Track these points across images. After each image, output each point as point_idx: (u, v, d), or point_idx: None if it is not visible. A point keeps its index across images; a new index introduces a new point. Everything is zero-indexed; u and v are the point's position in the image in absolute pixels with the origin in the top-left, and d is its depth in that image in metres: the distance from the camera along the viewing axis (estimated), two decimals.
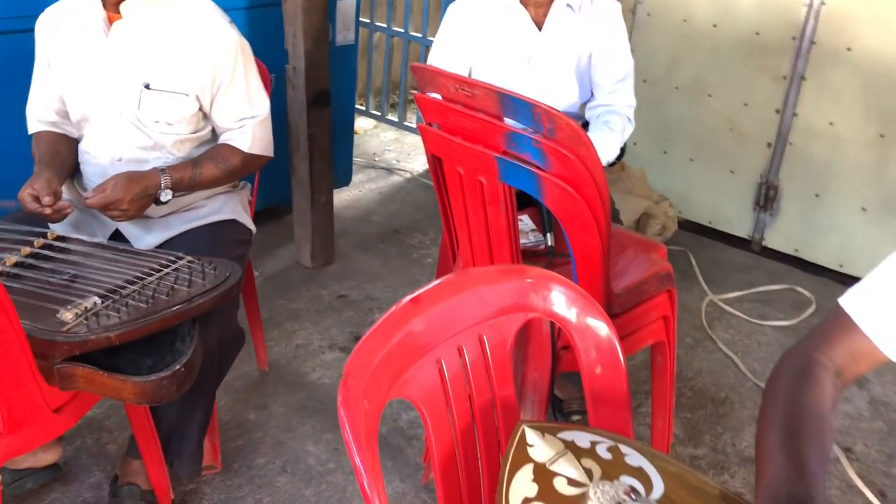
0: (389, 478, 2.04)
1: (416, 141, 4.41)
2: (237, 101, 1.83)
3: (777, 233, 3.30)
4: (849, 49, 2.97)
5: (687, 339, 2.74)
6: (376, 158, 4.20)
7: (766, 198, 3.28)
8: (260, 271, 2.94)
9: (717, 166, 3.39)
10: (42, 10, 1.88)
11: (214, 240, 1.83)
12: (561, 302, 1.10)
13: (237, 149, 1.85)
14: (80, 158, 1.91)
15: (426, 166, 4.12)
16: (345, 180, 3.62)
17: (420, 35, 4.10)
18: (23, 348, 1.31)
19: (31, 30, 1.90)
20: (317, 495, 1.98)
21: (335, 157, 3.01)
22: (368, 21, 4.21)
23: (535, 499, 0.91)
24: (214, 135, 1.91)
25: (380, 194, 3.80)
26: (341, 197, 3.57)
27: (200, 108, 1.83)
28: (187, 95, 1.79)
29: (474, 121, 1.53)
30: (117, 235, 1.83)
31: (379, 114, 4.51)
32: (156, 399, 1.40)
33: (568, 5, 2.09)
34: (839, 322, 1.03)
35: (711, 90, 3.33)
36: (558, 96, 2.15)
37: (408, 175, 4.03)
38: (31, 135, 1.93)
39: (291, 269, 3.04)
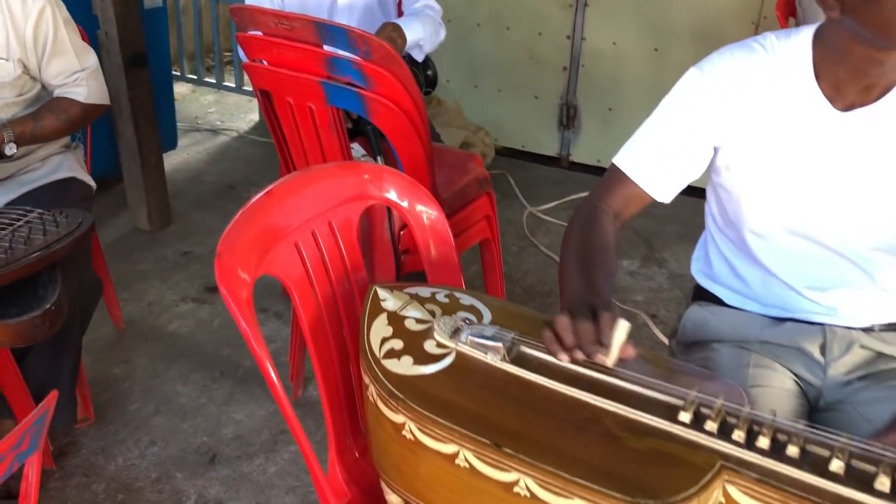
0: (261, 401, 2.19)
1: (238, 100, 4.46)
2: (66, 59, 1.88)
3: (581, 148, 3.68)
4: None
5: (513, 247, 3.04)
6: (199, 121, 4.21)
7: (568, 117, 3.63)
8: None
9: (522, 94, 3.71)
10: None
11: (57, 197, 1.88)
12: (395, 190, 1.30)
13: (75, 100, 1.90)
14: None
15: (251, 124, 4.20)
16: (171, 144, 3.63)
17: None
18: None
19: None
20: (193, 427, 2.10)
21: (158, 122, 3.04)
22: None
23: (391, 337, 1.11)
24: (46, 95, 1.94)
25: (208, 155, 3.84)
26: (170, 161, 3.58)
27: (25, 72, 1.85)
28: (7, 60, 1.82)
29: (297, 51, 1.68)
30: None
31: (195, 77, 4.50)
32: (30, 338, 1.47)
33: None
34: (613, 176, 1.30)
35: (509, 23, 3.62)
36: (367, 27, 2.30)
37: (234, 134, 4.08)
38: None
39: (130, 234, 3.07)
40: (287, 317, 2.56)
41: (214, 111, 4.37)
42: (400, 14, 2.36)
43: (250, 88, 4.33)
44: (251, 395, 2.21)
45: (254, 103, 4.32)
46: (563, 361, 1.04)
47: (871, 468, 0.87)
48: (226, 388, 2.24)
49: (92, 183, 2.04)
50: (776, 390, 1.24)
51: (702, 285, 1.46)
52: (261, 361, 1.01)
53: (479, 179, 2.03)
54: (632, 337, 1.03)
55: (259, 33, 1.77)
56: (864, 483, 0.85)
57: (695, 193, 1.42)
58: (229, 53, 4.71)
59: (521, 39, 3.62)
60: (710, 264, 1.44)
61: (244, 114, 4.32)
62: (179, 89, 4.50)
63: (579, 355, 1.03)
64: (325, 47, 1.69)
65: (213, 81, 4.46)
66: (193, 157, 3.79)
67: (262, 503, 1.86)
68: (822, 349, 1.29)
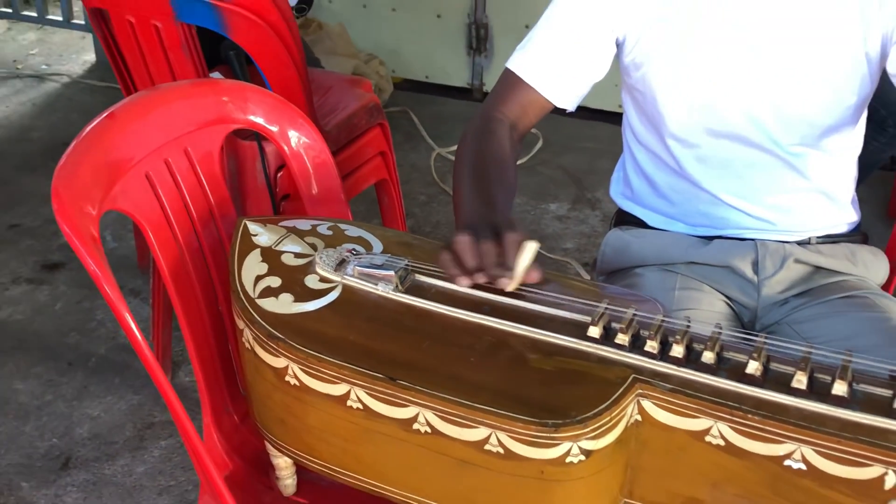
0: (121, 392, 2.25)
1: (67, 38, 4.43)
2: None
3: (495, 75, 3.78)
4: None
5: (421, 196, 3.16)
6: (19, 66, 4.18)
7: (478, 39, 3.75)
8: None
9: (422, 13, 3.81)
10: None
11: None
12: (261, 112, 1.38)
13: None
14: None
15: (87, 66, 4.19)
16: None
17: None
18: None
19: None
20: (39, 429, 2.15)
21: None
22: None
23: (266, 274, 1.20)
24: None
25: (34, 107, 3.83)
26: None
27: None
28: None
29: None
30: None
31: (10, 11, 4.44)
32: None
33: None
34: (508, 82, 1.42)
35: None
36: None
37: (66, 79, 4.06)
38: None
39: None
40: (146, 294, 2.61)
41: (38, 52, 4.34)
42: None
43: (81, 21, 4.30)
44: (108, 387, 2.27)
45: (87, 40, 4.30)
46: (463, 286, 1.16)
47: (788, 369, 1.01)
48: (76, 381, 2.29)
49: None
50: (705, 313, 1.39)
51: (622, 208, 1.60)
52: (114, 306, 1.09)
53: (369, 107, 2.13)
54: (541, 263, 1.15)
55: None
56: (782, 384, 1.00)
57: None
58: None
59: None
60: (629, 184, 1.58)
61: (76, 54, 4.30)
62: None
63: (481, 279, 1.14)
64: None
65: (34, 15, 4.41)
66: (15, 109, 3.78)
67: None
68: (755, 266, 1.44)
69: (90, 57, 4.25)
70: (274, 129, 1.37)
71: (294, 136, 1.38)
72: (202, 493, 1.34)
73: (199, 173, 1.31)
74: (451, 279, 1.16)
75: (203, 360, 1.29)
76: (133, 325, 1.12)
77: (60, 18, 4.36)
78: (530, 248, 1.13)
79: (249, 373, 1.20)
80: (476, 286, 1.16)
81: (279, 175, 1.95)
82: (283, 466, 1.26)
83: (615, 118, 1.54)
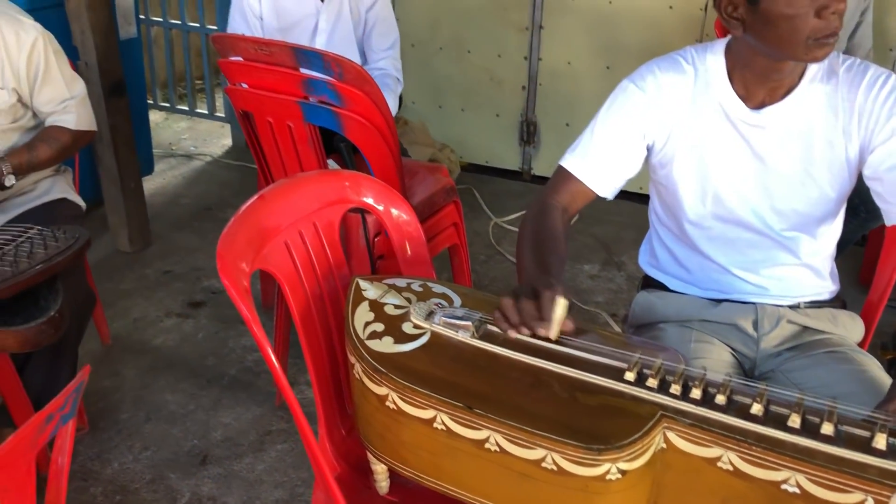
0: (247, 405, 2.30)
1: (210, 126, 4.57)
2: (56, 87, 1.99)
3: (541, 161, 3.85)
4: None
5: (481, 256, 3.19)
6: (173, 147, 4.32)
7: (528, 133, 3.81)
8: None
9: (484, 112, 3.88)
10: None
11: (50, 216, 1.99)
12: (372, 195, 1.44)
13: (65, 128, 2.01)
14: None
15: (224, 149, 4.32)
16: (148, 169, 3.73)
17: (198, 25, 4.25)
18: None
19: None
20: (184, 431, 2.20)
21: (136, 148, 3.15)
22: (144, 17, 4.29)
23: (373, 321, 1.25)
24: (37, 121, 2.05)
25: (184, 179, 3.95)
26: (147, 186, 3.67)
27: (19, 100, 1.97)
28: (2, 88, 1.93)
29: (276, 74, 1.82)
30: None
31: (168, 105, 4.61)
32: (37, 344, 1.58)
33: None
34: (561, 175, 1.46)
35: (470, 47, 3.80)
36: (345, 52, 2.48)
37: (208, 158, 4.19)
38: None
39: (112, 256, 3.16)
40: (269, 327, 2.67)
41: (188, 137, 4.48)
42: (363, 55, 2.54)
43: (222, 114, 4.46)
44: (237, 400, 2.32)
45: (226, 129, 4.44)
46: (512, 336, 1.19)
47: (784, 410, 1.02)
48: (213, 395, 2.35)
49: (82, 203, 2.15)
50: (715, 362, 1.40)
51: (649, 274, 1.62)
52: (259, 342, 1.14)
53: (446, 189, 2.18)
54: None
55: (239, 59, 1.91)
56: (780, 422, 1.01)
57: (648, 202, 1.58)
58: (200, 81, 4.83)
59: (482, 61, 3.79)
60: (655, 255, 1.60)
61: (217, 139, 4.43)
62: (153, 117, 4.60)
63: (525, 330, 1.18)
64: (302, 70, 1.83)
65: (186, 108, 4.57)
66: (170, 181, 3.90)
67: (252, 497, 1.97)
68: (755, 325, 1.45)
69: (227, 141, 4.38)
70: (380, 208, 1.42)
71: (395, 213, 1.43)
72: (316, 488, 1.37)
73: (322, 240, 1.36)
74: (502, 330, 1.19)
75: (321, 385, 1.33)
76: (272, 356, 1.16)
77: (206, 111, 4.51)
78: (561, 304, 1.17)
79: (357, 397, 1.23)
80: (526, 335, 1.19)
81: (376, 240, 2.00)
82: (380, 471, 1.29)
83: (636, 198, 1.58)
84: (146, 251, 3.19)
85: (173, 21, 4.32)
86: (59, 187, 2.10)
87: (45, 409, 0.89)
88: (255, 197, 1.26)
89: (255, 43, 1.85)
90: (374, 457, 1.25)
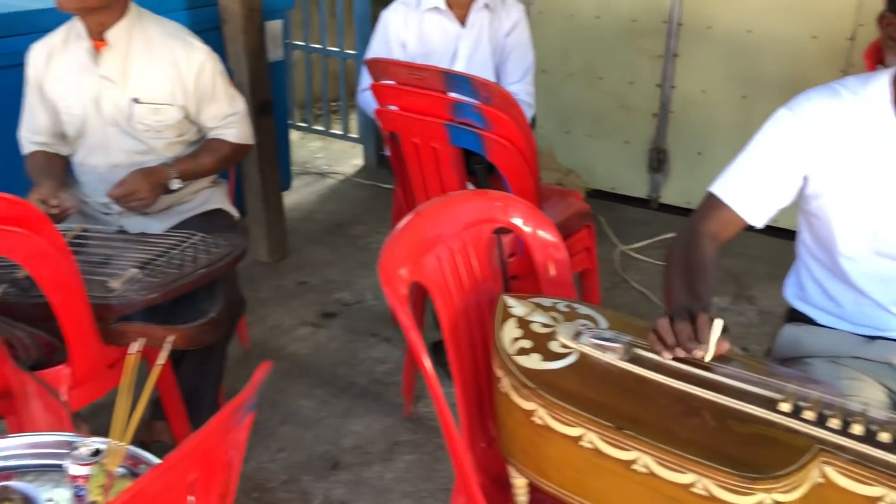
0: (376, 415, 2.37)
1: (343, 146, 4.75)
2: (220, 104, 2.14)
3: (670, 190, 3.80)
4: (709, 27, 3.49)
5: (605, 283, 3.16)
6: (307, 166, 4.51)
7: (658, 161, 3.77)
8: None
9: (612, 139, 3.87)
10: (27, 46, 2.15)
11: (207, 225, 2.12)
12: (521, 217, 1.48)
13: (226, 140, 2.16)
14: (78, 170, 2.18)
15: (356, 168, 4.48)
16: (286, 185, 3.91)
17: (337, 49, 4.44)
18: (88, 314, 1.59)
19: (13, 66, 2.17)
20: (316, 436, 2.29)
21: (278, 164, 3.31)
22: (287, 41, 4.51)
23: (521, 337, 1.27)
24: (199, 136, 2.21)
25: (318, 196, 4.12)
26: (284, 201, 3.86)
27: (185, 117, 2.12)
28: (172, 105, 2.09)
29: (425, 97, 1.89)
30: (120, 232, 2.11)
31: (305, 125, 4.83)
32: (199, 342, 1.70)
33: (485, 5, 2.49)
34: (710, 202, 1.45)
35: (601, 73, 3.80)
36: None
37: (340, 177, 4.35)
38: (25, 155, 2.19)
39: (251, 265, 3.33)
40: (396, 341, 2.75)
41: (321, 156, 4.67)
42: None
43: (355, 135, 4.62)
44: (367, 410, 2.40)
45: (358, 149, 4.60)
46: (667, 359, 1.19)
47: None
48: (344, 403, 2.43)
49: (236, 214, 2.30)
50: (868, 401, 1.35)
51: (795, 307, 1.57)
52: (415, 347, 1.19)
53: (580, 213, 2.19)
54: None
55: (391, 82, 2.00)
56: None
57: (781, 235, 1.55)
58: (335, 103, 5.03)
59: (612, 88, 3.79)
60: (802, 288, 1.55)
61: (349, 159, 4.60)
62: (290, 136, 4.83)
63: (680, 353, 1.17)
64: (450, 93, 1.90)
65: (321, 129, 4.78)
66: (305, 197, 4.07)
67: None
68: None
69: (359, 161, 4.54)
70: (528, 229, 1.46)
71: (542, 235, 1.45)
72: (457, 493, 1.39)
73: (471, 257, 1.41)
74: (657, 353, 1.19)
75: (466, 396, 1.37)
76: (427, 361, 1.20)
77: (340, 132, 4.70)
78: (718, 325, 1.17)
79: (502, 411, 1.26)
80: (679, 359, 1.19)
81: (510, 260, 2.03)
82: (520, 486, 1.31)
83: (769, 230, 1.54)
84: (283, 262, 3.34)
85: (314, 45, 4.53)
86: (216, 198, 2.25)
87: (235, 400, 0.96)
88: (413, 213, 1.32)
89: (408, 67, 1.94)
90: (516, 470, 1.27)
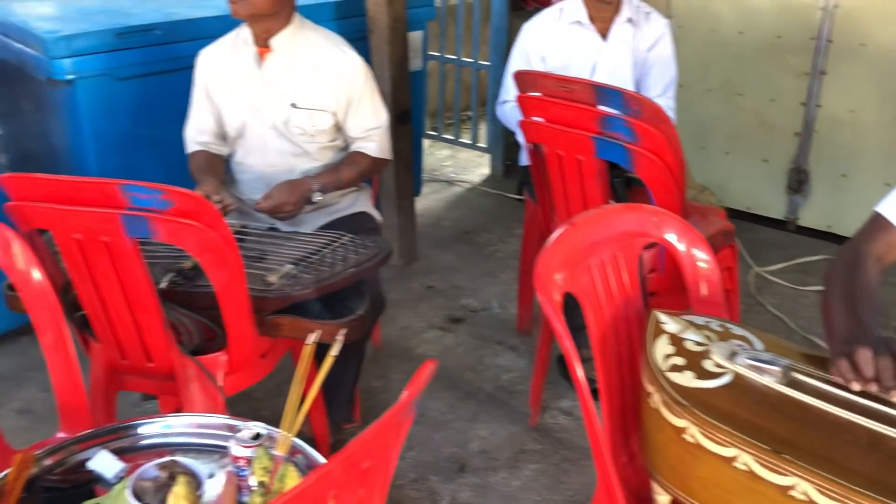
0: (502, 422, 2.40)
1: (470, 156, 4.82)
2: (365, 115, 2.23)
3: (810, 212, 3.65)
4: (862, 45, 3.33)
5: (742, 306, 3.08)
6: (435, 173, 4.60)
7: (798, 181, 3.63)
8: None
9: (750, 157, 3.75)
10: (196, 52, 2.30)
11: (353, 227, 2.21)
12: (675, 233, 1.47)
13: (367, 154, 2.24)
14: (236, 169, 2.31)
15: (483, 177, 4.53)
16: (416, 191, 4.01)
17: (472, 61, 4.51)
18: (248, 305, 1.69)
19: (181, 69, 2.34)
20: (444, 438, 2.34)
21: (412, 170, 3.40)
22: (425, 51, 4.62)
23: (673, 354, 1.27)
24: (346, 143, 2.30)
25: (445, 203, 4.19)
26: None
27: (336, 123, 2.22)
28: (326, 111, 2.19)
29: (573, 110, 1.91)
30: (271, 230, 2.22)
31: (434, 133, 4.92)
32: (346, 338, 1.77)
33: (629, 19, 2.48)
34: (876, 223, 1.40)
35: (741, 90, 3.70)
36: None
37: (467, 185, 4.41)
38: (189, 154, 2.34)
39: (382, 267, 3.41)
40: (522, 350, 2.77)
41: (449, 164, 4.75)
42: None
43: (483, 145, 4.68)
44: (493, 416, 2.42)
45: (485, 158, 4.65)
46: (855, 389, 1.15)
47: None
48: (470, 408, 2.47)
49: (379, 217, 2.38)
50: None
51: None
52: (567, 354, 1.20)
53: (725, 231, 2.15)
54: None
55: (537, 94, 2.03)
56: None
57: None
58: (465, 113, 5.11)
59: (753, 105, 3.68)
60: None
61: (476, 167, 4.66)
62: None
63: (873, 388, 1.13)
64: (599, 106, 1.91)
65: (450, 137, 4.86)
66: (433, 203, 4.16)
67: None
68: None
69: (486, 170, 4.59)
70: (681, 246, 1.44)
71: (695, 253, 1.44)
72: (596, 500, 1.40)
73: (621, 270, 1.41)
74: (846, 381, 1.15)
75: (612, 409, 1.37)
76: (580, 371, 1.22)
77: (469, 141, 4.76)
78: None
79: (650, 427, 1.26)
80: (858, 391, 1.15)
81: (650, 276, 2.01)
82: (664, 503, 1.30)
83: None
84: (412, 266, 3.42)
85: (449, 56, 4.62)
86: (361, 201, 2.33)
87: (408, 396, 1.01)
88: (567, 224, 1.34)
89: (558, 80, 1.96)
90: (661, 487, 1.27)
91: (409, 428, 2.36)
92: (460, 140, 4.82)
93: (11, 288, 1.75)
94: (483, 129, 4.74)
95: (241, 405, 2.47)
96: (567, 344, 1.21)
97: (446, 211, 4.08)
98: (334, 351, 1.26)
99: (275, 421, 1.31)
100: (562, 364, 2.61)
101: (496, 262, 3.47)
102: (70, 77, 2.52)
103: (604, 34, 2.51)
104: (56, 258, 1.67)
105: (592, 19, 2.49)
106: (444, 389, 2.56)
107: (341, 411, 2.18)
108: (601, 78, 2.52)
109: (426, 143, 5.01)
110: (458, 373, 2.66)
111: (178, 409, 2.21)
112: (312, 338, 1.29)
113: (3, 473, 1.28)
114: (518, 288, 2.89)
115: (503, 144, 4.40)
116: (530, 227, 2.62)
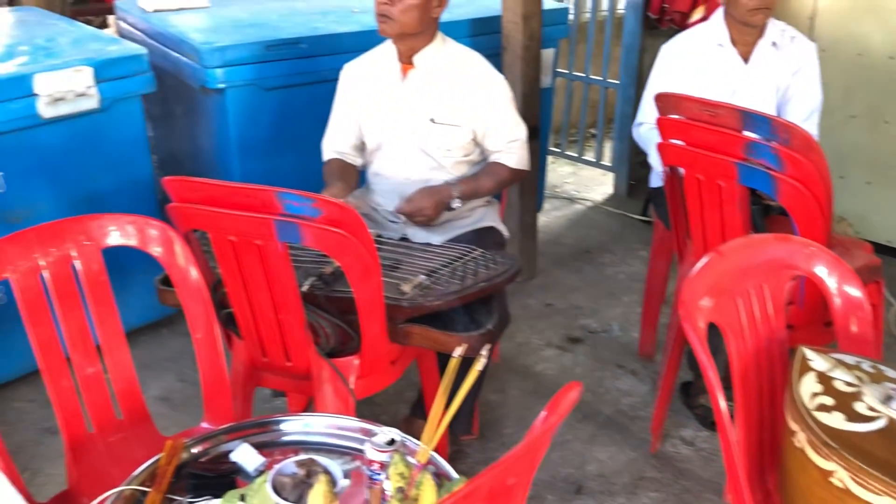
0: (621, 447, 2.36)
1: (592, 174, 4.78)
2: (506, 130, 2.26)
3: None
4: None
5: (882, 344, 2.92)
6: (557, 190, 4.58)
7: None
8: None
9: (895, 188, 3.56)
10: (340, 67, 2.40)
11: (481, 241, 2.24)
12: (826, 267, 1.42)
13: (505, 165, 2.27)
14: (372, 180, 2.39)
15: (605, 196, 4.48)
16: (538, 207, 4.01)
17: (600, 79, 4.48)
18: (383, 312, 1.74)
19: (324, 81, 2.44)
20: (561, 458, 2.33)
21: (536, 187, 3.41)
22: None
23: (821, 393, 1.23)
24: (482, 158, 2.34)
25: (566, 220, 4.17)
26: None
27: (473, 138, 2.26)
28: (463, 127, 2.23)
29: (716, 134, 1.87)
30: (402, 240, 2.28)
31: (557, 150, 4.91)
32: (473, 351, 1.78)
33: (773, 43, 2.41)
34: None
35: (888, 117, 3.51)
36: None
37: (589, 203, 4.38)
38: (325, 161, 2.42)
39: None
40: (643, 375, 2.73)
41: (571, 181, 4.73)
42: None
43: (607, 163, 4.63)
44: (612, 440, 2.39)
45: (608, 177, 4.60)
46: None
47: None
48: (588, 430, 2.45)
49: (506, 232, 2.40)
50: None
51: None
52: (711, 386, 1.18)
53: (872, 266, 2.05)
54: None
55: (679, 117, 2.00)
56: None
57: None
58: (589, 130, 5.08)
59: None
60: None
61: (598, 186, 4.61)
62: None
63: None
64: (745, 132, 1.86)
65: (574, 155, 4.83)
66: (553, 220, 4.14)
67: None
68: None
69: (608, 189, 4.53)
70: (830, 281, 1.39)
71: (847, 290, 1.39)
72: None
73: (766, 302, 1.37)
74: None
75: (749, 444, 1.33)
76: (722, 403, 1.19)
77: (592, 159, 4.73)
78: None
79: (793, 466, 1.22)
80: None
81: (788, 309, 1.95)
82: None
83: None
84: (531, 282, 3.42)
85: (577, 73, 4.61)
86: (489, 216, 2.36)
87: (552, 423, 1.02)
88: (713, 252, 1.32)
89: (702, 104, 1.92)
90: None
91: None
92: (583, 157, 4.79)
93: (164, 283, 1.88)
94: (608, 148, 4.70)
95: (362, 409, 2.53)
96: (710, 374, 1.19)
97: (567, 228, 4.05)
98: (479, 365, 1.29)
99: (393, 426, 1.36)
100: (686, 392, 2.56)
101: (617, 284, 3.42)
102: (221, 86, 2.68)
103: (745, 57, 2.44)
104: (207, 258, 1.78)
105: (734, 42, 2.43)
106: None
107: (461, 423, 2.21)
108: (742, 102, 2.45)
109: (548, 159, 5.01)
110: None
111: (306, 408, 2.31)
112: (459, 351, 1.31)
113: (155, 458, 1.37)
114: (642, 311, 2.84)
115: (629, 164, 4.34)
116: (659, 250, 2.58)
